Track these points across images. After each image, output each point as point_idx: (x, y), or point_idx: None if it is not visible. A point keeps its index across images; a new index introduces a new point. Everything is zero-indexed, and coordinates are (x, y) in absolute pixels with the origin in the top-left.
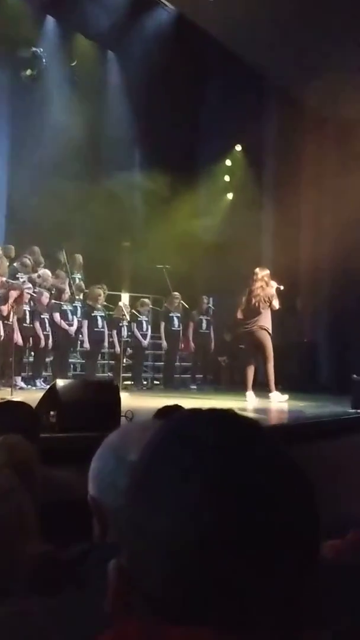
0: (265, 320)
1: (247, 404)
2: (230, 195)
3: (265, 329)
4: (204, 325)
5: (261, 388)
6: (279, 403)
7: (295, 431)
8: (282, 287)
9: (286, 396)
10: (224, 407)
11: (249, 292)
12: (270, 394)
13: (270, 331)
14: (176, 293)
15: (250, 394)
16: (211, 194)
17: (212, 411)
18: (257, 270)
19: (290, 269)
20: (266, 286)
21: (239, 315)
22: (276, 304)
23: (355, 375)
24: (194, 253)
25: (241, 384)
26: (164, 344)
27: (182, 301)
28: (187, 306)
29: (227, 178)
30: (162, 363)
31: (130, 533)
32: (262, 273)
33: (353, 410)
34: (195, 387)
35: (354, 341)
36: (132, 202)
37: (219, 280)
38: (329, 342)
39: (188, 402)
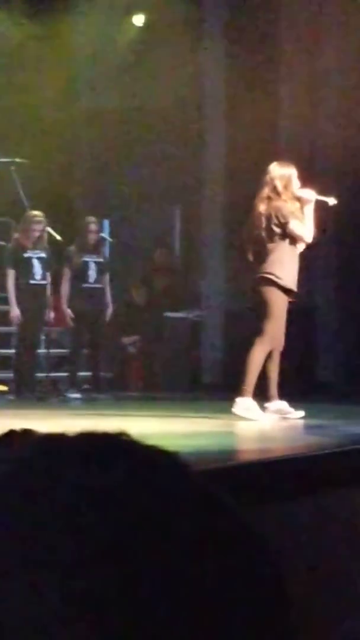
0: (272, 262)
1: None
2: (138, 20)
3: (269, 278)
4: (93, 274)
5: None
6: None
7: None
8: (331, 201)
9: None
10: (126, 432)
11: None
12: (268, 404)
13: (285, 282)
14: (37, 213)
15: (275, 405)
16: (101, 20)
17: (88, 438)
18: (270, 167)
19: (259, 165)
20: (277, 197)
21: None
22: (300, 230)
23: None
24: (70, 138)
25: (172, 388)
26: (15, 312)
27: (49, 229)
28: (59, 238)
29: None
30: (13, 350)
31: None
32: (276, 172)
33: None
34: (78, 395)
35: None
36: None
37: (121, 188)
38: (335, 307)
39: (63, 426)
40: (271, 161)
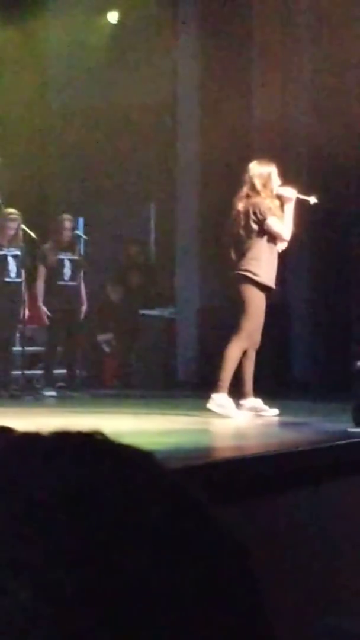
0: (249, 260)
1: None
2: (113, 17)
3: (246, 275)
4: (67, 272)
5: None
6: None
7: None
8: (312, 200)
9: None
10: (102, 431)
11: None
12: (243, 402)
13: (263, 279)
14: (12, 210)
15: (250, 402)
16: (75, 18)
17: (62, 437)
18: (250, 166)
19: (232, 163)
20: (256, 195)
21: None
22: (278, 227)
23: None
24: (45, 136)
25: (147, 385)
26: None
27: (23, 226)
28: (34, 236)
29: None
30: None
31: None
32: (254, 170)
33: (358, 429)
34: (53, 393)
35: (357, 296)
36: None
37: (96, 186)
38: (310, 304)
39: (38, 424)
40: (245, 159)
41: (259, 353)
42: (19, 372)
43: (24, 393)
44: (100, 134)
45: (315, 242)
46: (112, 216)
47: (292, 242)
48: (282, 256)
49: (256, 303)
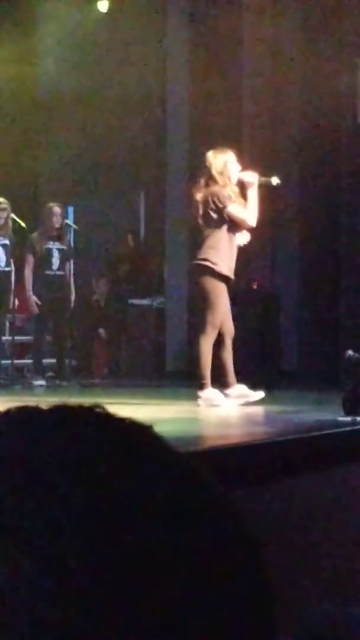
0: (207, 248)
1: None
2: (103, 6)
3: (204, 264)
4: (56, 261)
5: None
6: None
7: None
8: (274, 181)
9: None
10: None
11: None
12: (228, 391)
13: (221, 268)
14: (1, 200)
15: (235, 390)
16: (66, 6)
17: (63, 409)
18: (206, 155)
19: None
20: (213, 184)
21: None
22: (240, 213)
23: (351, 352)
24: (34, 124)
25: (136, 375)
26: None
27: (13, 215)
28: (22, 224)
29: None
30: None
31: None
32: (210, 159)
33: (347, 419)
34: (43, 382)
35: (347, 286)
36: None
37: (86, 175)
38: (298, 295)
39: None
40: (234, 146)
41: (247, 343)
42: (8, 362)
43: (13, 382)
44: (90, 123)
45: (304, 232)
46: (101, 205)
47: (281, 232)
48: (271, 246)
49: (217, 293)
